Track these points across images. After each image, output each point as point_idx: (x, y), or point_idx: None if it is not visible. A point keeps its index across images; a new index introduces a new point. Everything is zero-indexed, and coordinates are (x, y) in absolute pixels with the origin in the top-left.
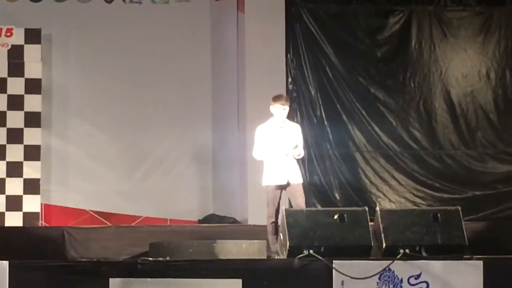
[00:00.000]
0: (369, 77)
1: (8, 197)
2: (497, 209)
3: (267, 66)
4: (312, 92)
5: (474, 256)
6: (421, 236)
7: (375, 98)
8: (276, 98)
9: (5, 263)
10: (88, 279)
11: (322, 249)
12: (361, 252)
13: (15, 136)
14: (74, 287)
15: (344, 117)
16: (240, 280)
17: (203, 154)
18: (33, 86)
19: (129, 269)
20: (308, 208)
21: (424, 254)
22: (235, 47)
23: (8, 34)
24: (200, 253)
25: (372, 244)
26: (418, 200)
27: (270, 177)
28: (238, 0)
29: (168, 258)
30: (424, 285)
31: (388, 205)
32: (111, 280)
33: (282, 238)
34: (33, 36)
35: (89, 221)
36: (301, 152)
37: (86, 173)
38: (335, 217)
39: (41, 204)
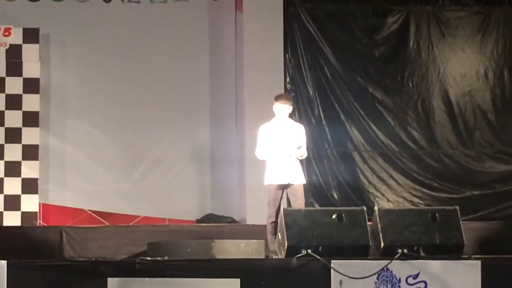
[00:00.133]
0: (367, 77)
1: (6, 197)
2: (495, 209)
3: (265, 65)
4: (310, 92)
5: (472, 256)
6: (419, 236)
7: (373, 97)
8: (278, 97)
9: (3, 262)
10: (86, 278)
11: (320, 248)
12: (359, 251)
13: (13, 135)
14: (72, 287)
15: (342, 117)
16: (238, 280)
17: (201, 153)
18: (31, 85)
19: (127, 268)
20: (306, 208)
21: (422, 253)
22: (233, 47)
23: (6, 33)
24: (198, 252)
25: (370, 243)
26: (416, 200)
27: (272, 176)
28: None
29: (166, 258)
30: (422, 285)
31: (386, 205)
32: (109, 279)
33: (280, 237)
34: (31, 35)
35: (87, 221)
36: (304, 153)
37: (84, 173)
38: (333, 216)
39: (39, 204)
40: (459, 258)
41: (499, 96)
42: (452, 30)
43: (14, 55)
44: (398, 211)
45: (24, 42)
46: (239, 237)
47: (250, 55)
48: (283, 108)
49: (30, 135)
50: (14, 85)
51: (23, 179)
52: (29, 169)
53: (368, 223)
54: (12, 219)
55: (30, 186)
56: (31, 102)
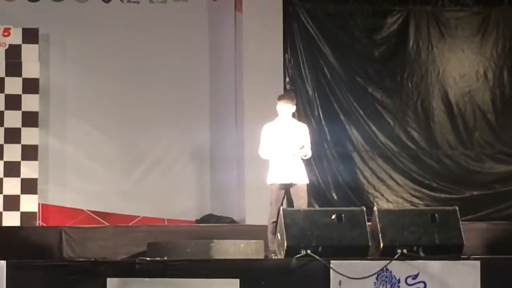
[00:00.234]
0: (367, 77)
1: (5, 197)
2: (494, 209)
3: (265, 65)
4: (310, 92)
5: (472, 256)
6: (418, 236)
7: (372, 98)
8: (281, 97)
9: (3, 263)
10: (86, 279)
11: (320, 249)
12: (359, 252)
13: (12, 135)
14: (71, 287)
15: (342, 117)
16: (237, 280)
17: (201, 153)
18: (31, 85)
19: (127, 269)
20: (306, 208)
21: (421, 254)
22: (232, 47)
23: (6, 33)
24: (198, 253)
25: (370, 244)
26: (415, 200)
27: (275, 176)
28: None
29: (165, 258)
30: (422, 285)
31: (385, 205)
32: (108, 280)
33: (279, 238)
34: (31, 35)
35: (86, 221)
36: (308, 152)
37: (84, 173)
38: (333, 217)
39: (39, 204)
40: (458, 258)
41: (498, 97)
42: (451, 31)
43: (13, 55)
44: (398, 212)
45: (23, 42)
46: (238, 237)
47: (250, 55)
48: (286, 108)
49: (29, 135)
50: (13, 85)
51: (22, 179)
52: (28, 169)
53: (368, 223)
54: (12, 219)
55: (29, 186)
56: (30, 102)
